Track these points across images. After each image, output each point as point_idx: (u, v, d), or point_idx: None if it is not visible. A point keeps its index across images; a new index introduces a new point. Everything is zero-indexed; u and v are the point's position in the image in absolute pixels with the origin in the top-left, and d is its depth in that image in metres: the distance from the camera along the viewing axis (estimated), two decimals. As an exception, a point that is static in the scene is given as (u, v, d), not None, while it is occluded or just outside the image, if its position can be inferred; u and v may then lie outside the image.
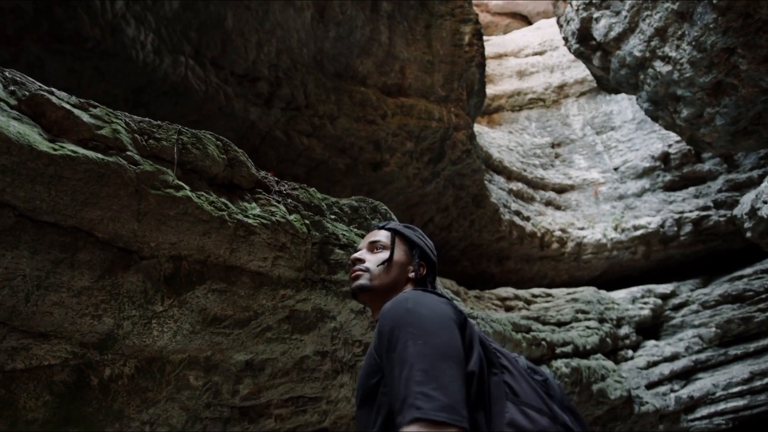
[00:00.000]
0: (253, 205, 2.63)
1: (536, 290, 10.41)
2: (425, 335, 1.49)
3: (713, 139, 8.95)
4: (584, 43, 9.95)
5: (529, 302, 9.90)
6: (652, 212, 12.36)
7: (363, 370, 1.61)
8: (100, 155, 2.08)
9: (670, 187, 12.64)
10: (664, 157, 12.82)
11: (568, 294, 10.36)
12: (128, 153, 2.20)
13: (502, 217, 10.86)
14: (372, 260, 1.90)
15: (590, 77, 13.00)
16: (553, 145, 14.12)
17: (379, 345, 1.54)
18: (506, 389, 1.55)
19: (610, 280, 12.59)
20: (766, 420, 9.47)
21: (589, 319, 9.61)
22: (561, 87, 14.66)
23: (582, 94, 14.52)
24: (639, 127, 13.44)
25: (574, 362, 7.62)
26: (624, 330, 10.51)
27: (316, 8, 7.94)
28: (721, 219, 11.66)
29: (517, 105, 14.67)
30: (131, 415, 2.36)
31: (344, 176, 8.86)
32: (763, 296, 10.65)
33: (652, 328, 11.24)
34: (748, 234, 8.46)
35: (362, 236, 3.32)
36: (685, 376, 10.18)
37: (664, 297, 11.58)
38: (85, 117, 2.14)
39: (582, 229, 12.38)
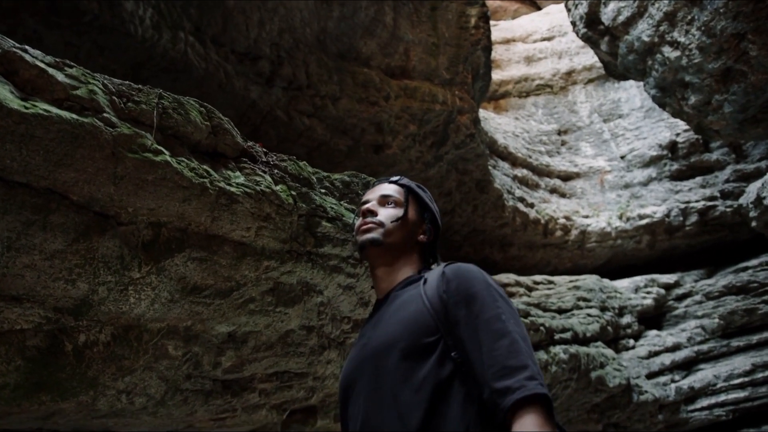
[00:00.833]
0: (237, 173, 2.57)
1: (538, 277, 10.34)
2: (513, 315, 1.53)
3: (721, 127, 8.82)
4: (592, 28, 9.81)
5: (530, 289, 9.83)
6: (658, 201, 12.23)
7: (409, 324, 1.55)
8: (74, 116, 2.02)
9: (676, 177, 12.50)
10: (672, 146, 12.67)
11: (570, 282, 10.28)
12: (105, 115, 2.14)
13: (506, 204, 10.76)
14: (384, 215, 1.82)
15: (599, 64, 12.83)
16: (559, 132, 13.98)
17: (454, 306, 1.51)
18: None
19: (613, 269, 12.50)
20: (766, 412, 9.39)
21: (590, 307, 9.54)
22: (569, 73, 14.50)
23: (590, 81, 14.36)
24: (647, 115, 13.28)
25: (573, 349, 7.56)
26: (626, 319, 10.43)
27: (319, -13, 7.85)
28: (728, 209, 11.53)
29: (524, 91, 14.52)
30: (106, 382, 2.32)
31: (346, 158, 8.78)
32: (768, 288, 10.55)
33: (654, 317, 11.16)
34: (754, 223, 8.35)
35: (353, 211, 3.26)
36: (687, 366, 10.10)
37: (668, 287, 11.48)
38: (60, 76, 2.08)
39: (586, 217, 12.28)
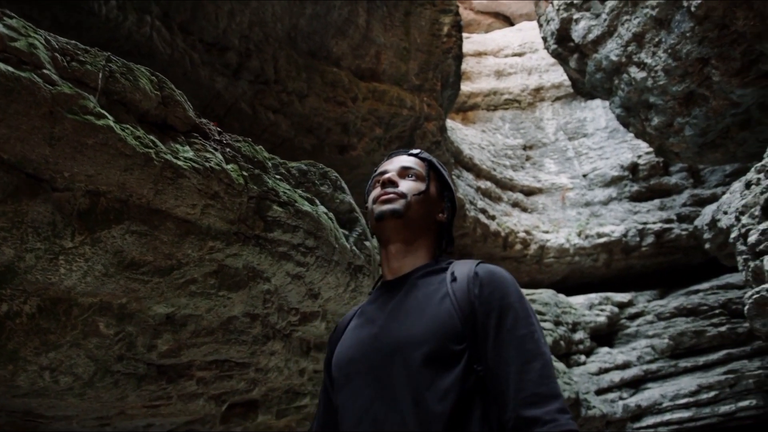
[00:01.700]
0: (187, 148, 2.45)
1: (495, 289, 10.34)
2: (543, 333, 1.46)
3: (681, 150, 8.99)
4: (562, 44, 9.93)
5: (487, 300, 9.82)
6: (617, 221, 12.42)
7: (436, 326, 1.44)
8: (10, 68, 1.90)
9: (636, 198, 12.73)
10: (633, 168, 12.90)
11: (527, 295, 10.30)
12: (45, 71, 2.01)
13: (468, 214, 10.78)
14: (406, 186, 1.69)
15: (567, 82, 13.01)
16: (524, 147, 14.11)
17: (485, 315, 1.44)
18: None
19: (570, 286, 12.61)
20: (709, 433, 9.56)
21: (544, 321, 9.59)
22: (537, 90, 14.67)
23: (557, 98, 14.55)
24: (611, 136, 13.51)
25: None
26: (579, 335, 10.52)
27: (293, -19, 7.75)
28: (683, 233, 11.76)
29: (493, 104, 14.63)
30: (28, 357, 2.17)
31: (310, 156, 8.64)
32: (717, 311, 10.77)
33: (606, 335, 11.28)
34: (707, 245, 8.50)
35: (309, 199, 3.17)
36: (635, 384, 10.22)
37: (621, 306, 11.63)
38: (-2, 26, 1.95)
39: (546, 232, 12.38)
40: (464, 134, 12.99)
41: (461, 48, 9.91)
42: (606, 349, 10.80)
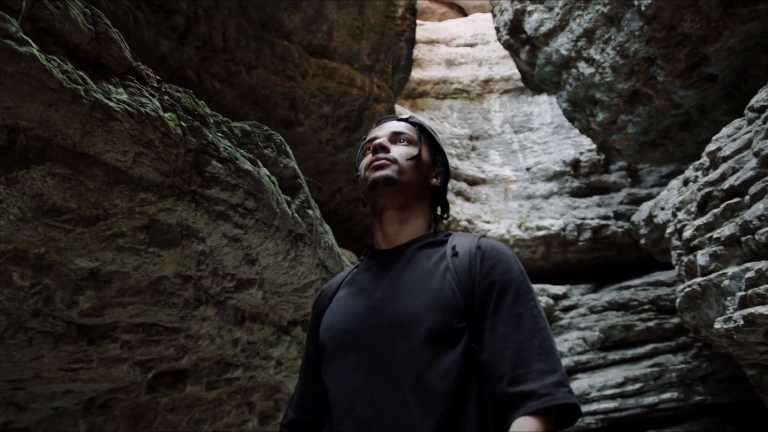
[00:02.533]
0: (120, 90, 2.27)
1: (435, 275, 10.37)
2: (540, 309, 1.45)
3: (623, 147, 9.18)
4: (514, 36, 9.97)
5: (426, 285, 9.83)
6: (556, 215, 12.63)
7: (438, 302, 1.40)
8: None
9: (576, 194, 12.98)
10: (575, 164, 13.15)
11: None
12: (-40, -13, 1.81)
13: (412, 199, 10.72)
14: (398, 152, 1.65)
15: (516, 76, 13.13)
16: (471, 138, 14.18)
17: (486, 290, 1.41)
18: None
19: (507, 277, 12.75)
20: (632, 423, 9.85)
21: (482, 309, 9.66)
22: (487, 82, 14.76)
23: (506, 91, 14.67)
24: (555, 132, 13.72)
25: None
26: (514, 324, 10.64)
27: (246, -53, 7.48)
28: (619, 230, 12.06)
29: (442, 93, 14.63)
30: (-73, 304, 1.97)
31: (254, 130, 8.43)
32: (646, 307, 11.12)
33: (540, 326, 11.46)
34: (643, 240, 8.72)
35: (251, 160, 3.02)
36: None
37: (556, 298, 11.86)
38: None
39: (488, 222, 12.49)
40: (412, 120, 12.93)
41: (414, 32, 9.83)
42: (539, 339, 10.98)
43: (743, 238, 5.12)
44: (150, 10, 7.04)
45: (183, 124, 2.50)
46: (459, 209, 12.24)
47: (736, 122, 5.79)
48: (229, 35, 7.73)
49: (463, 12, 17.66)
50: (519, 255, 12.26)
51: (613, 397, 9.92)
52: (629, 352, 10.60)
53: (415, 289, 1.46)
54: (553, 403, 1.25)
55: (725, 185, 5.50)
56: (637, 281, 11.76)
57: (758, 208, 4.91)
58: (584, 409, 9.82)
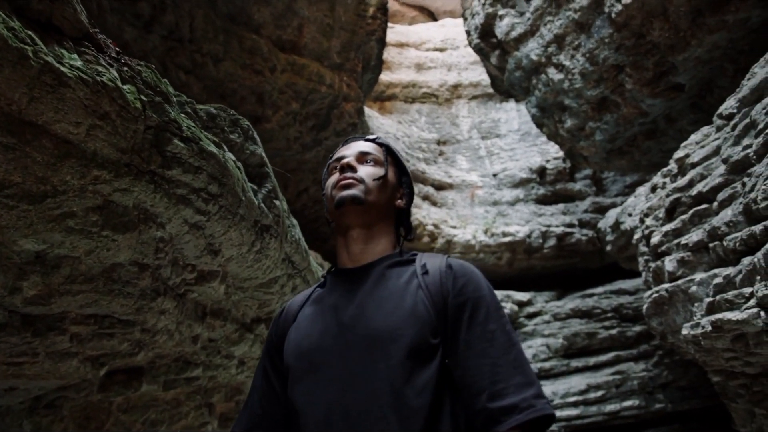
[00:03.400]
0: (75, 56, 2.08)
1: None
2: (510, 324, 1.48)
3: (590, 154, 9.21)
4: (485, 40, 9.96)
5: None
6: (522, 222, 12.66)
7: (413, 319, 1.42)
8: None
9: (541, 201, 13.04)
10: (541, 171, 13.22)
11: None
12: None
13: (379, 202, 10.60)
14: (364, 172, 1.66)
15: (485, 81, 13.16)
16: (438, 142, 14.15)
17: (458, 308, 1.44)
18: None
19: (472, 282, 12.73)
20: (594, 430, 9.88)
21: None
22: (455, 87, 14.76)
23: (474, 97, 14.69)
24: (522, 139, 13.78)
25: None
26: (478, 330, 10.60)
27: (216, -63, 7.29)
28: (583, 237, 12.15)
29: (411, 97, 14.58)
30: None
31: (220, 126, 8.20)
32: (609, 315, 11.19)
33: (504, 332, 11.45)
34: (609, 247, 8.75)
35: (216, 144, 2.85)
36: (529, 381, 10.42)
37: (521, 304, 11.86)
38: None
39: (454, 227, 12.45)
40: (380, 123, 12.84)
41: (385, 32, 9.74)
42: (503, 345, 10.96)
43: (711, 245, 5.11)
44: (114, -4, 6.81)
45: (143, 98, 2.32)
46: (426, 213, 12.16)
47: (705, 129, 5.82)
48: (196, 25, 7.52)
49: (433, 17, 17.67)
50: (484, 261, 12.26)
51: (575, 404, 9.94)
52: (592, 360, 10.65)
53: (390, 306, 1.47)
54: (535, 415, 1.27)
55: (693, 191, 5.51)
56: (600, 289, 11.86)
57: (726, 214, 4.91)
58: (547, 415, 9.80)
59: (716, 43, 7.01)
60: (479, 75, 13.86)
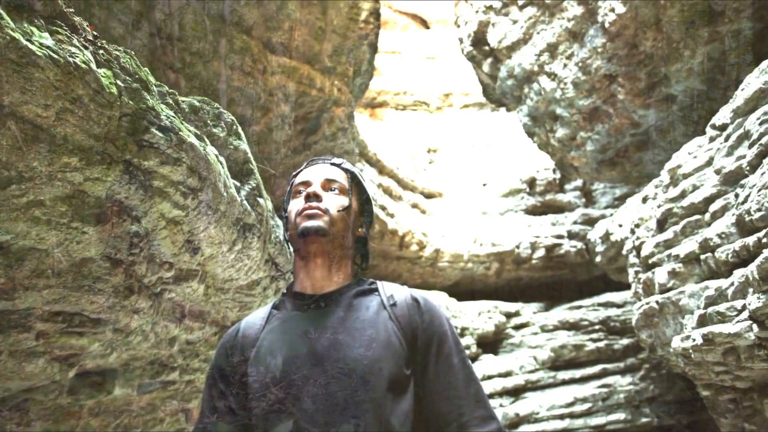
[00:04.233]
0: (45, 34, 1.97)
1: (388, 287, 10.14)
2: (467, 357, 1.60)
3: (581, 164, 9.16)
4: (477, 47, 9.91)
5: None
6: (511, 232, 12.59)
7: (389, 351, 1.48)
8: None
9: (531, 211, 12.99)
10: (531, 182, 13.18)
11: (419, 295, 10.19)
12: None
13: (367, 208, 10.48)
14: (330, 201, 1.67)
15: (475, 90, 13.10)
16: (429, 150, 14.08)
17: (426, 343, 1.53)
18: None
19: (461, 291, 12.64)
20: (580, 444, 9.76)
21: (434, 323, 9.46)
22: (447, 95, 14.73)
23: (466, 105, 14.66)
24: (513, 149, 13.73)
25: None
26: (466, 340, 10.49)
27: (207, -65, 7.18)
28: (572, 249, 12.09)
29: (402, 104, 14.53)
30: None
31: (207, 127, 8.07)
32: (596, 327, 11.12)
33: (492, 342, 11.36)
34: (598, 258, 8.68)
35: (198, 136, 2.73)
36: (515, 393, 10.31)
37: (509, 315, 11.77)
38: None
39: (443, 236, 12.35)
40: (371, 129, 12.74)
41: (377, 36, 9.64)
42: (491, 356, 10.86)
43: (703, 256, 5.04)
44: (101, -7, 6.68)
45: (119, 83, 2.20)
46: (414, 222, 12.06)
47: (697, 140, 5.76)
48: (185, 24, 7.40)
49: (425, 24, 17.65)
50: (473, 270, 12.18)
51: (561, 416, 9.83)
52: (579, 372, 10.55)
53: (365, 338, 1.49)
54: None
55: (685, 202, 5.44)
56: (588, 301, 11.79)
57: (719, 225, 4.84)
58: (533, 428, 9.69)
59: (709, 54, 6.97)
60: (470, 84, 13.82)
